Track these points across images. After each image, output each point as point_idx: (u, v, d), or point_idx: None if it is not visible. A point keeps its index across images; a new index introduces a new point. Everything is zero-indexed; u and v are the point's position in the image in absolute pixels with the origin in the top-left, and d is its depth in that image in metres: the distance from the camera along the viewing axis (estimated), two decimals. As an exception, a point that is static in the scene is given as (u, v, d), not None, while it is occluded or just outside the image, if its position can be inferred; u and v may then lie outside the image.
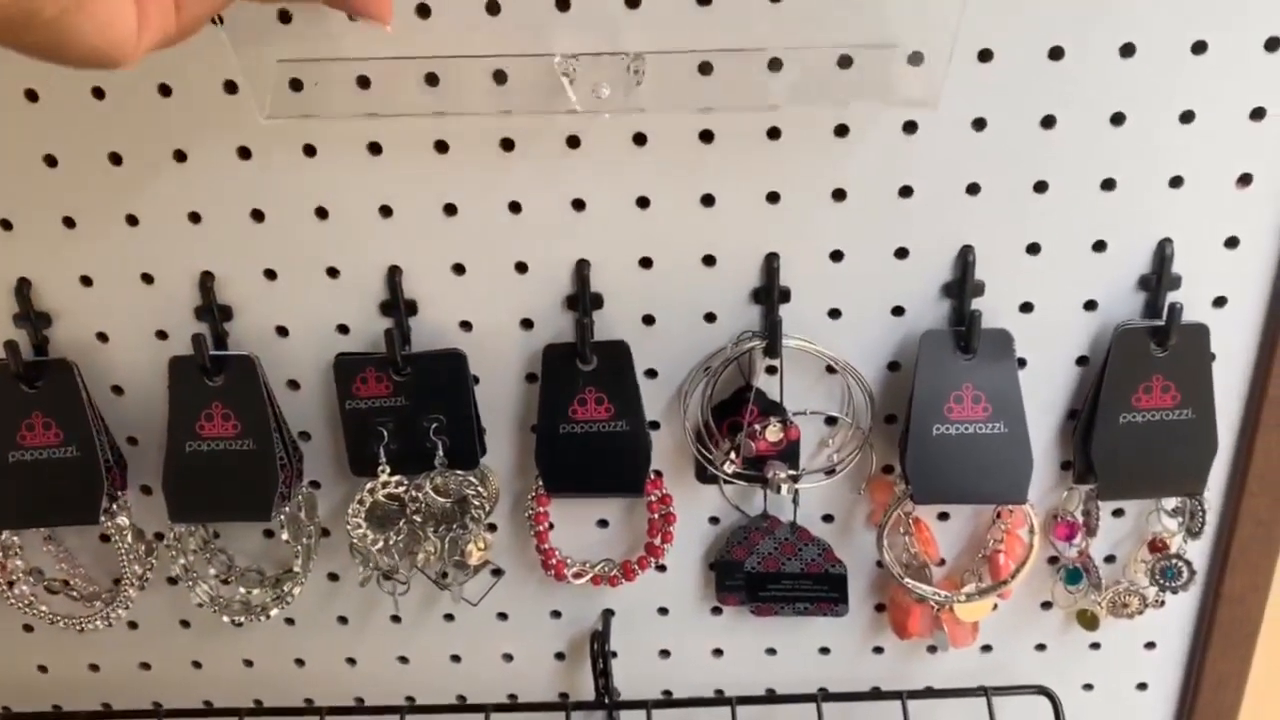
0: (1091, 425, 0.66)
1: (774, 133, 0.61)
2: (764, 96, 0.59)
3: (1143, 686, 0.79)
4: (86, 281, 0.67)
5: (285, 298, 0.67)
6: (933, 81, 0.57)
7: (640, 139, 0.61)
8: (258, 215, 0.64)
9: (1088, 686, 0.79)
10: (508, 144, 0.62)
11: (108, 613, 0.73)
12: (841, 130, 0.61)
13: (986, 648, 0.77)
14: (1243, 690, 0.77)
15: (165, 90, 0.61)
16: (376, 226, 0.64)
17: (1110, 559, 0.73)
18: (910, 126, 0.61)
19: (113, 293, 0.67)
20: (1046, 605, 0.75)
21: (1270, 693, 0.77)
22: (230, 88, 0.61)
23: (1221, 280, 0.65)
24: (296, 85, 0.59)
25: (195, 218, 0.65)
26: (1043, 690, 0.75)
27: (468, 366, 0.67)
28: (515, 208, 0.63)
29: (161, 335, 0.68)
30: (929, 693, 0.77)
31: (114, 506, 0.70)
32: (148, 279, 0.67)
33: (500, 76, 0.58)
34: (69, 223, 0.65)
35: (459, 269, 0.65)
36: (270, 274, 0.66)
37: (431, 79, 0.59)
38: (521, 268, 0.65)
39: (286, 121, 0.61)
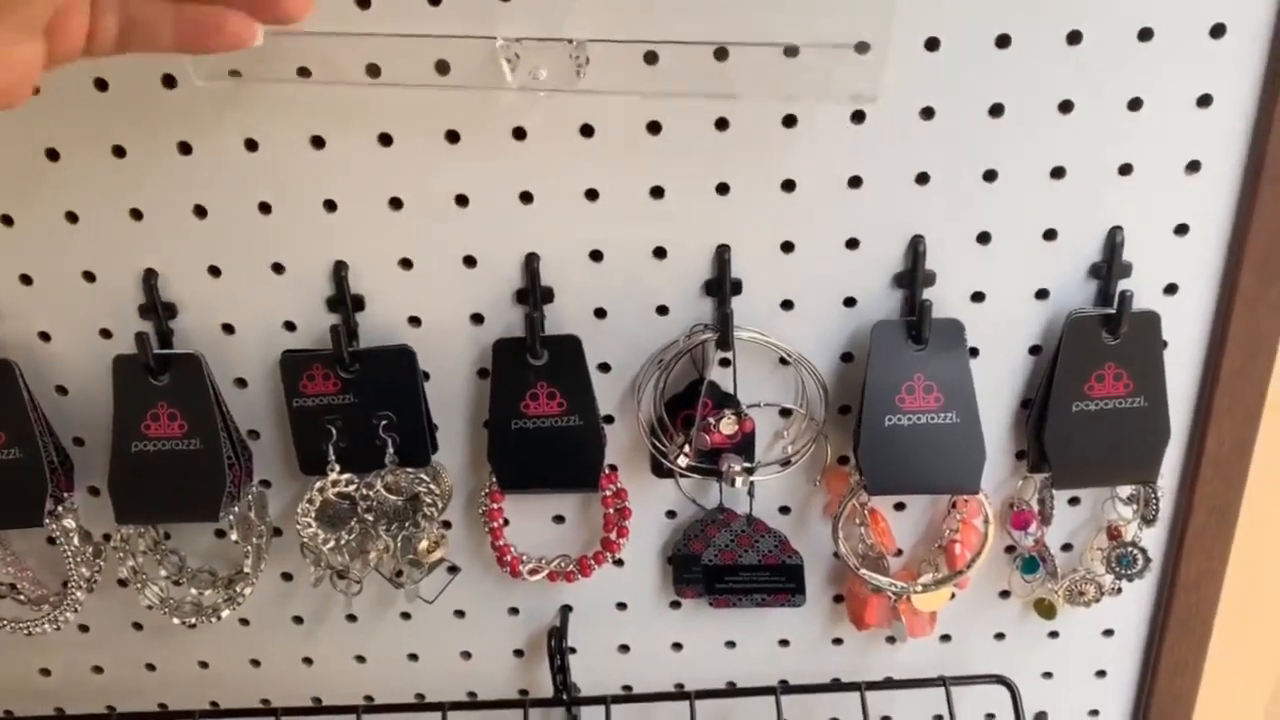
0: (1044, 414, 0.66)
1: (722, 124, 0.60)
2: (711, 86, 0.58)
3: (1101, 674, 0.79)
4: (26, 280, 0.66)
5: (230, 294, 0.66)
6: (873, 75, 0.56)
7: (587, 130, 0.61)
8: (200, 211, 0.63)
9: (1046, 674, 0.79)
10: (453, 136, 0.61)
11: (56, 616, 0.72)
12: (790, 121, 0.60)
13: (945, 638, 0.77)
14: (1200, 675, 0.77)
15: (102, 85, 0.60)
16: (321, 221, 0.63)
17: (1067, 547, 0.73)
18: (858, 116, 0.60)
19: (54, 291, 0.66)
20: (1004, 594, 0.75)
21: (1228, 678, 0.78)
22: (169, 81, 0.60)
23: (1172, 267, 0.65)
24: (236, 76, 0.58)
25: (136, 214, 0.64)
26: (1001, 680, 0.75)
27: (417, 362, 0.66)
28: (462, 201, 0.63)
29: (105, 334, 0.67)
30: (888, 683, 0.77)
31: (59, 509, 0.69)
32: (89, 277, 0.66)
33: (443, 67, 0.57)
34: (7, 220, 0.64)
35: (406, 263, 0.64)
36: (214, 270, 0.65)
37: (373, 70, 0.58)
38: (470, 262, 0.64)
39: (228, 115, 0.60)
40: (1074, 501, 0.72)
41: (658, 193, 0.62)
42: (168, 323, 0.66)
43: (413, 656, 0.79)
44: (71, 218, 0.64)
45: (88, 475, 0.71)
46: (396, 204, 0.63)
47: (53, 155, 0.62)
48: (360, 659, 0.79)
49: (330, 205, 0.63)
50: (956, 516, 0.71)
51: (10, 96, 0.40)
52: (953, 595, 0.74)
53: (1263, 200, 0.62)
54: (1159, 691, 0.78)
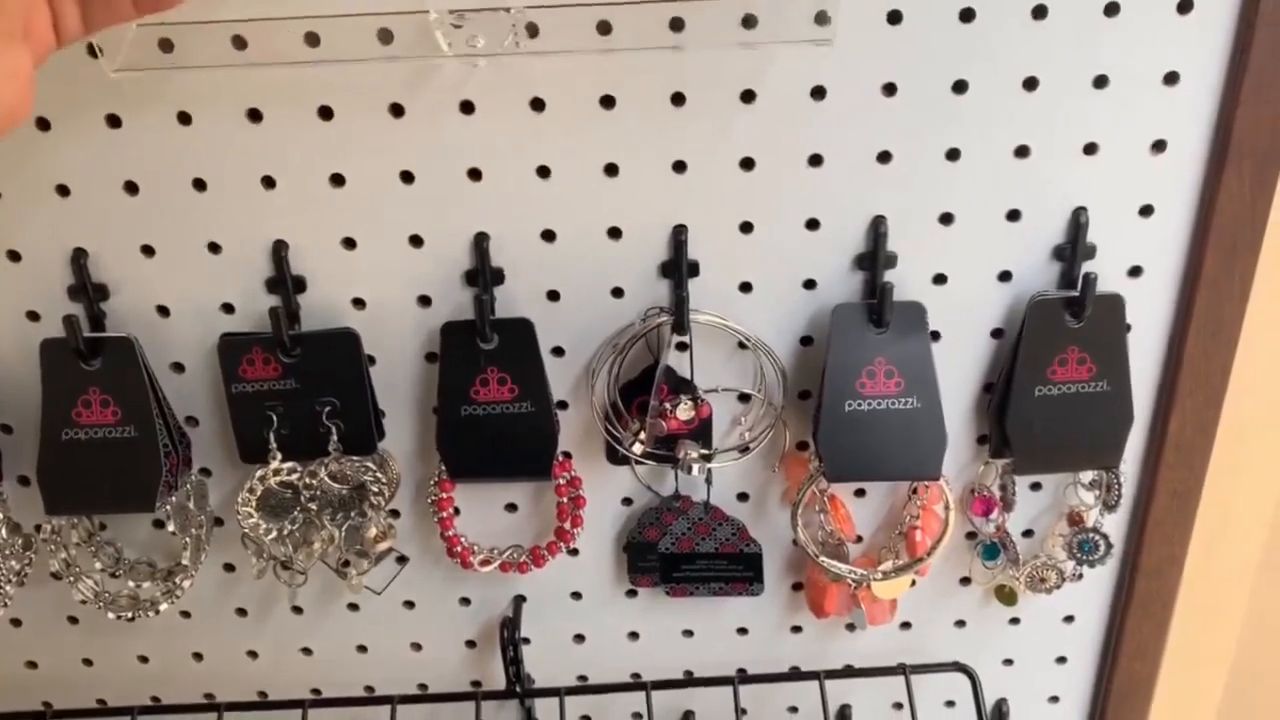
0: (1007, 398, 0.65)
1: (678, 99, 0.58)
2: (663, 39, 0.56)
3: (1061, 660, 0.78)
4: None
5: (165, 275, 0.63)
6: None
7: (538, 104, 0.58)
8: (131, 187, 0.60)
9: (1007, 661, 0.78)
10: (397, 109, 0.58)
11: (-15, 611, 0.69)
12: (748, 96, 0.58)
13: (905, 625, 0.76)
14: (1159, 660, 0.77)
15: (23, 52, 0.57)
16: (259, 198, 0.60)
17: (1028, 533, 0.73)
18: (819, 92, 0.58)
19: (-23, 271, 0.63)
20: (965, 581, 0.74)
21: (1187, 662, 0.77)
22: (95, 51, 0.57)
23: (1136, 249, 0.64)
24: (167, 46, 0.55)
25: (63, 190, 0.61)
26: (961, 667, 0.74)
27: (361, 346, 0.63)
28: (407, 178, 0.60)
29: (33, 316, 0.64)
30: (848, 671, 0.76)
31: (-14, 499, 0.66)
32: (14, 256, 0.62)
33: (385, 36, 0.55)
34: None
35: (349, 243, 0.62)
36: (148, 250, 0.62)
37: (312, 38, 0.55)
38: (416, 241, 0.62)
39: (159, 86, 0.58)
40: (1035, 487, 0.71)
41: (612, 170, 0.60)
42: (99, 305, 0.63)
43: (361, 648, 0.77)
44: None
45: (16, 464, 0.68)
46: (338, 180, 0.60)
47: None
48: (307, 651, 0.77)
49: (269, 182, 0.60)
50: (917, 503, 0.69)
51: (23, 109, 0.41)
52: (913, 582, 0.73)
53: (1228, 181, 0.61)
54: (1119, 676, 0.78)
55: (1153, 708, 0.79)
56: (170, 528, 0.66)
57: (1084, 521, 0.70)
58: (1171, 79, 0.59)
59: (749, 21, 0.55)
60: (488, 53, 0.54)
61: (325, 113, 0.58)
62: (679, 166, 0.60)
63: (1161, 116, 0.60)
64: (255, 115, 0.58)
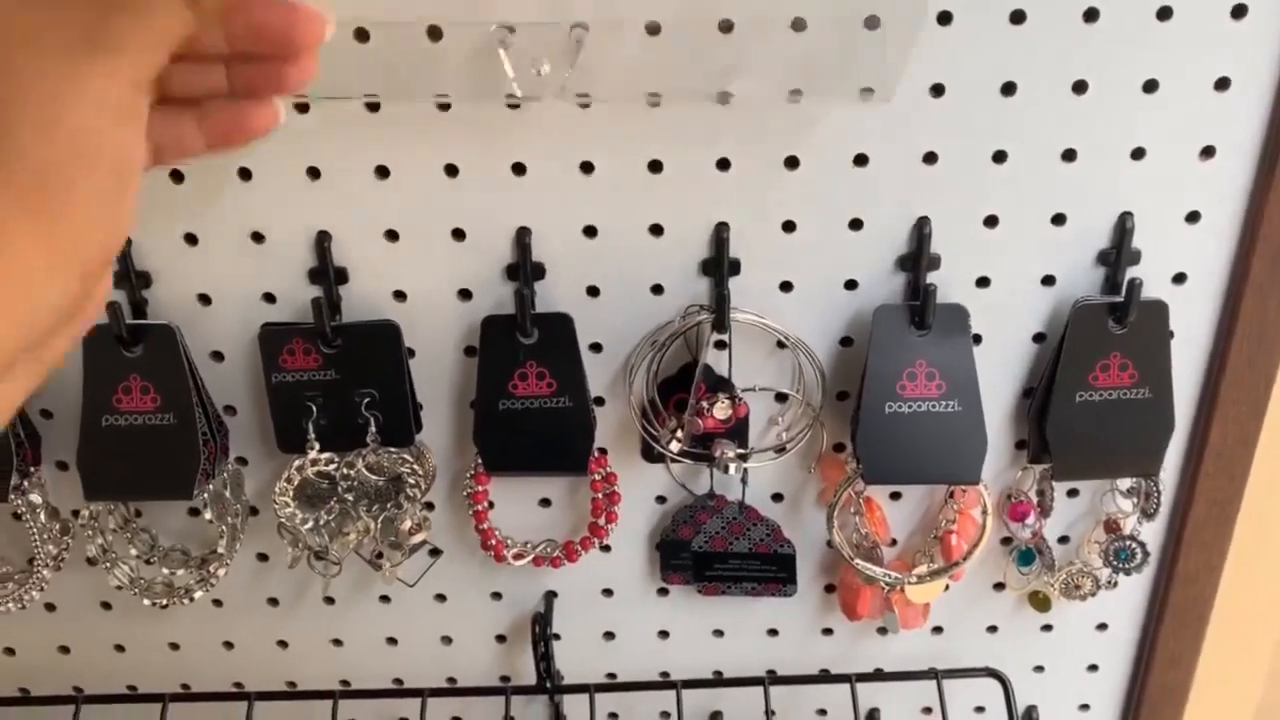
0: (1047, 404, 0.64)
1: (725, 96, 0.58)
2: (715, 81, 0.56)
3: (1093, 668, 0.78)
4: None
5: (208, 264, 0.63)
6: (890, 70, 0.54)
7: (585, 100, 0.58)
8: (177, 176, 0.61)
9: (1038, 668, 0.78)
10: (444, 104, 0.58)
11: (21, 594, 0.69)
12: (796, 94, 0.58)
13: (937, 629, 0.76)
14: (1193, 670, 0.76)
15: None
16: (304, 189, 0.60)
17: (1064, 540, 0.72)
18: (866, 92, 0.58)
19: (21, 257, 0.63)
20: (998, 587, 0.74)
21: (1221, 672, 0.77)
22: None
23: (1181, 256, 0.63)
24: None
25: (109, 178, 0.61)
26: (993, 673, 0.73)
27: (402, 338, 0.63)
28: (452, 171, 0.60)
29: (75, 303, 0.64)
30: (879, 675, 0.75)
31: (25, 483, 0.66)
32: (59, 243, 0.63)
33: (435, 32, 0.55)
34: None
35: (392, 235, 0.62)
36: (191, 239, 0.62)
37: (361, 34, 0.55)
38: (459, 235, 0.62)
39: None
40: (1072, 493, 0.71)
41: (656, 167, 0.60)
42: (141, 292, 0.63)
43: (391, 640, 0.77)
44: (41, 180, 0.61)
45: (56, 449, 0.69)
46: (383, 173, 0.60)
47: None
48: (337, 642, 0.77)
49: (314, 172, 0.60)
50: (954, 507, 0.69)
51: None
52: (946, 587, 0.72)
53: (1277, 187, 0.60)
54: (1151, 685, 0.77)
55: (1185, 717, 0.78)
56: (207, 516, 0.67)
57: (1121, 529, 0.70)
58: (1222, 84, 0.58)
59: (798, 24, 0.55)
60: (554, 82, 0.54)
61: (372, 106, 0.58)
62: (723, 164, 0.60)
63: (1211, 122, 0.59)
64: (302, 107, 0.58)
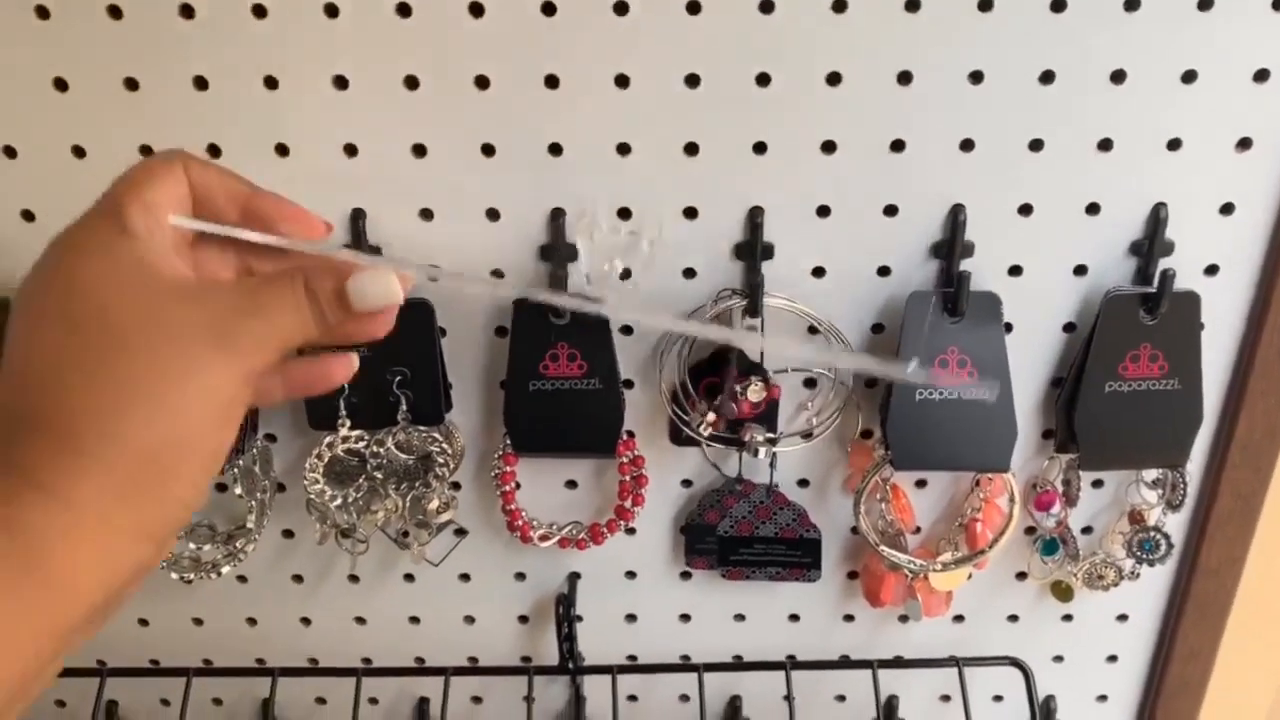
0: (1076, 393, 0.64)
1: (763, 79, 0.58)
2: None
3: (1113, 659, 0.78)
4: (28, 216, 0.63)
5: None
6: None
7: (622, 81, 0.58)
8: (214, 150, 0.61)
9: (1057, 658, 0.78)
10: (482, 82, 0.58)
11: (49, 567, 0.69)
12: (834, 79, 0.58)
13: (958, 618, 0.76)
14: (1212, 663, 0.76)
15: (115, 12, 0.57)
16: (340, 166, 0.61)
17: (1087, 530, 0.72)
18: (905, 77, 0.58)
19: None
20: (1021, 576, 0.74)
21: (1240, 665, 0.77)
22: (187, 11, 0.57)
23: (1215, 247, 0.63)
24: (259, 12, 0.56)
25: (146, 150, 0.61)
26: (1014, 662, 0.73)
27: (435, 317, 0.64)
28: (488, 150, 0.60)
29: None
30: (899, 662, 0.76)
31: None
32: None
33: (476, 10, 0.55)
34: (9, 151, 0.61)
35: (427, 214, 0.62)
36: (226, 214, 0.62)
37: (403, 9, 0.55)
38: (493, 215, 0.62)
39: (245, 51, 0.58)
40: (1097, 484, 0.71)
41: (692, 149, 0.60)
42: (175, 267, 0.63)
43: (414, 619, 0.77)
44: (79, 152, 0.61)
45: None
46: (420, 151, 0.60)
47: (61, 85, 0.59)
48: (360, 620, 0.77)
49: (350, 150, 0.60)
50: (979, 495, 0.69)
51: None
52: (969, 575, 0.73)
53: (1313, 181, 0.60)
54: (1170, 678, 0.77)
55: (1203, 710, 0.78)
56: (237, 491, 0.67)
57: (1145, 520, 0.70)
58: (1261, 76, 0.58)
59: (839, 6, 0.55)
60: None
61: (411, 82, 0.58)
62: (759, 148, 0.60)
63: (1249, 113, 0.59)
64: (341, 82, 0.59)
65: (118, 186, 0.39)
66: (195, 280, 0.39)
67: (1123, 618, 0.76)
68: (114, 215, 0.38)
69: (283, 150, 0.60)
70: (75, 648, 0.37)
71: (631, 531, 0.73)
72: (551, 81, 0.58)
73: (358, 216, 0.62)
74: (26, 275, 0.39)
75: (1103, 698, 0.80)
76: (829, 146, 0.60)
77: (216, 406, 0.37)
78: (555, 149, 0.60)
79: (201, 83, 0.59)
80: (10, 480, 0.35)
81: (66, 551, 0.35)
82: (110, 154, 0.61)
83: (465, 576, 0.75)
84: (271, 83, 0.59)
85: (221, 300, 0.38)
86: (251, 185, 0.42)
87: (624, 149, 0.60)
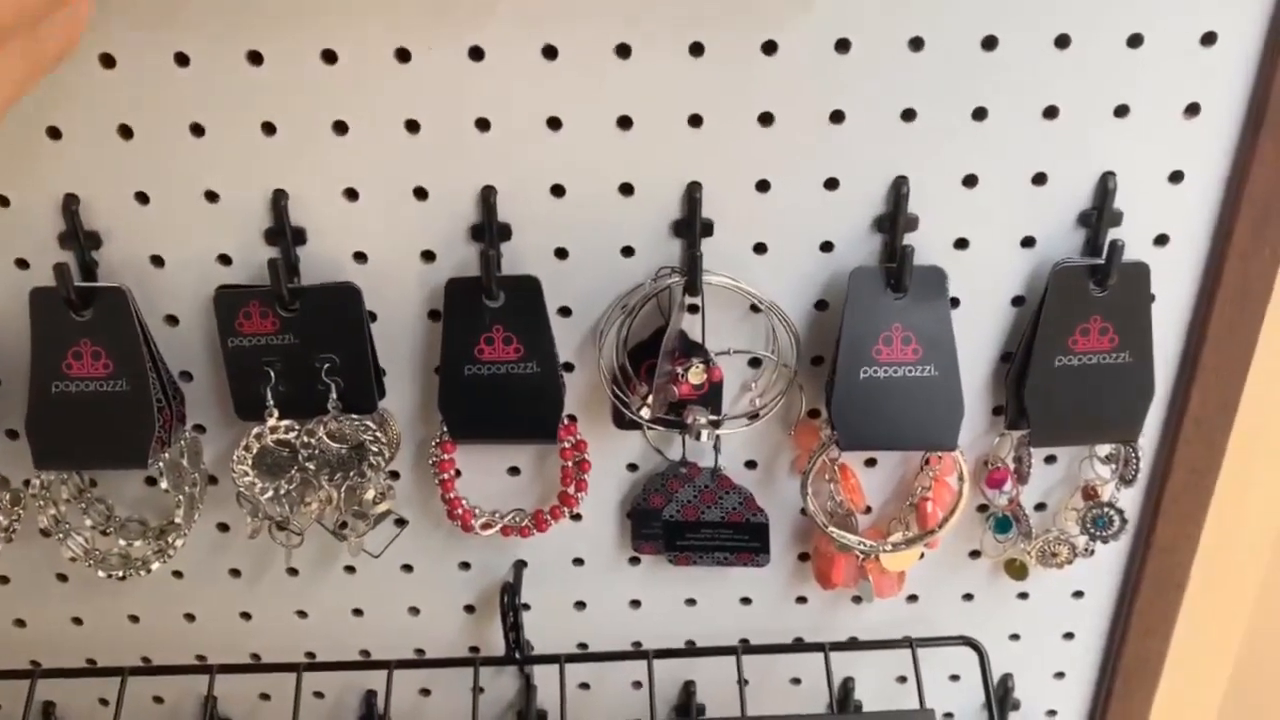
0: (1026, 368, 0.63)
1: (697, 49, 0.56)
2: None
3: (1069, 636, 0.77)
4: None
5: (160, 224, 0.61)
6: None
7: (550, 52, 0.56)
8: (125, 131, 0.58)
9: (1014, 636, 0.77)
10: (403, 54, 0.56)
11: (-29, 567, 0.67)
12: (770, 47, 0.56)
13: (912, 598, 0.75)
14: (1169, 638, 0.76)
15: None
16: (258, 145, 0.58)
17: (1040, 507, 0.71)
18: (843, 45, 0.56)
19: (-36, 216, 0.60)
20: (974, 554, 0.73)
21: (1196, 641, 0.76)
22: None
23: (1164, 217, 0.62)
24: (162, -17, 0.53)
25: (55, 133, 0.58)
26: (968, 641, 0.72)
27: (363, 301, 0.61)
28: (413, 126, 0.58)
29: (22, 264, 0.62)
30: (853, 644, 0.74)
31: (-27, 452, 0.64)
32: (3, 202, 0.60)
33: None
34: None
35: (351, 194, 0.60)
36: (142, 197, 0.60)
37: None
38: (421, 194, 0.60)
39: (156, 25, 0.55)
40: (1050, 460, 0.70)
41: (625, 123, 0.58)
42: (90, 253, 0.61)
43: (357, 612, 0.75)
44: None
45: (4, 417, 0.67)
46: (341, 128, 0.58)
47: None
48: (302, 614, 0.75)
49: (269, 128, 0.58)
50: (929, 474, 0.68)
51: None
52: (921, 555, 0.71)
53: (1263, 148, 0.59)
54: (1127, 654, 0.77)
55: (1160, 686, 0.78)
56: (163, 485, 0.65)
57: (1099, 496, 0.69)
58: (1209, 39, 0.56)
59: (773, -31, 0.53)
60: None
61: (329, 56, 0.56)
62: (695, 120, 0.58)
63: (1196, 79, 0.58)
64: (255, 57, 0.56)
65: None
66: None
67: (1078, 594, 0.75)
68: None
69: (198, 130, 0.58)
70: None
71: (577, 518, 0.71)
72: (476, 54, 0.56)
73: (279, 197, 0.59)
74: None
75: (1060, 675, 0.79)
76: (766, 119, 0.58)
77: None
78: (483, 124, 0.58)
79: (109, 60, 0.56)
80: None
81: None
82: (14, 138, 0.58)
83: (408, 567, 0.73)
84: (182, 59, 0.56)
85: None
86: None
87: (554, 123, 0.58)
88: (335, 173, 0.59)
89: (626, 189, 0.60)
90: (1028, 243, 0.62)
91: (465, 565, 0.73)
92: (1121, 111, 0.58)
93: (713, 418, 0.64)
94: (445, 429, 0.64)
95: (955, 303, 0.63)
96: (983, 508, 0.71)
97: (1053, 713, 0.80)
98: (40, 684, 0.71)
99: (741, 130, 0.58)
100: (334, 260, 0.61)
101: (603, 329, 0.64)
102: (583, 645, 0.77)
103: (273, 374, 0.62)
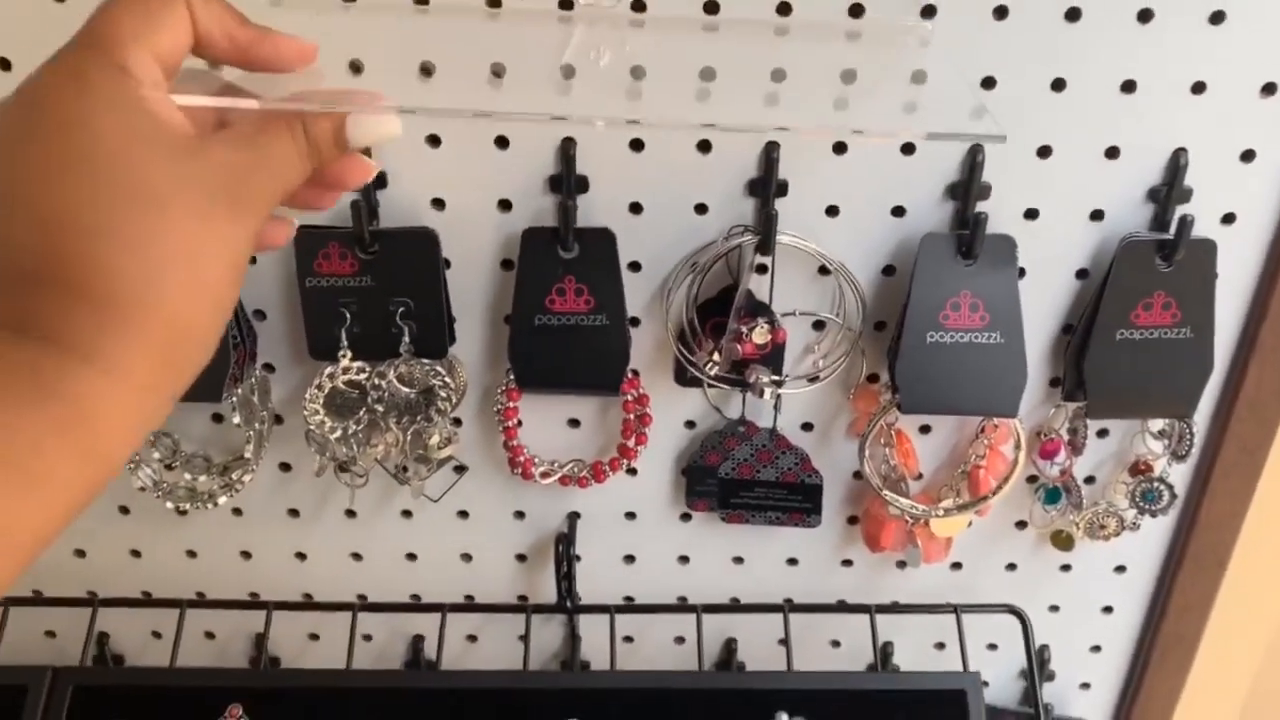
0: (1087, 341, 0.64)
1: (783, 8, 0.57)
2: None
3: (1108, 610, 0.78)
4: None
5: (243, 163, 0.61)
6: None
7: (639, 5, 0.57)
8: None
9: (1053, 608, 0.78)
10: (494, 5, 0.57)
11: (41, 494, 0.68)
12: (856, 10, 0.57)
13: (955, 565, 0.76)
14: (1207, 617, 0.76)
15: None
16: (347, 85, 0.59)
17: (1090, 480, 0.72)
18: (929, 11, 0.57)
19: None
20: (1021, 524, 0.74)
21: (1234, 620, 0.77)
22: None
23: (1233, 195, 0.62)
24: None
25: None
26: (1012, 610, 0.73)
27: (439, 247, 0.62)
28: (498, 73, 0.58)
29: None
30: (897, 608, 0.76)
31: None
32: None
33: None
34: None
35: (434, 140, 0.61)
36: (227, 136, 0.61)
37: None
38: (502, 143, 0.61)
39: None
40: (1102, 433, 0.70)
41: (708, 75, 0.58)
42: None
43: (411, 556, 0.76)
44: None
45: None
46: (427, 72, 0.59)
47: None
48: (357, 556, 0.76)
49: (355, 68, 0.58)
50: (984, 442, 0.69)
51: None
52: (970, 522, 0.72)
53: (1336, 129, 0.59)
54: (1164, 631, 0.78)
55: (1194, 664, 0.79)
56: (235, 420, 0.66)
57: (1150, 470, 0.70)
58: (1292, 19, 0.57)
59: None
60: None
61: (419, 0, 0.57)
62: (777, 75, 0.58)
63: (1275, 59, 0.58)
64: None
65: (112, 24, 0.35)
66: (195, 133, 0.36)
67: (1120, 569, 0.76)
68: (107, 53, 0.35)
69: (287, 70, 0.59)
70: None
71: (633, 472, 0.72)
72: (566, 4, 0.57)
73: (363, 141, 0.60)
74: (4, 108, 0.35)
75: (1096, 648, 0.80)
76: (848, 78, 0.58)
77: (235, 267, 0.36)
78: (568, 71, 0.58)
79: None
80: (48, 349, 0.33)
81: (113, 421, 0.34)
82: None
83: (464, 514, 0.74)
84: None
85: (227, 155, 0.36)
86: (243, 19, 0.40)
87: (637, 72, 0.58)
88: (419, 118, 0.60)
89: (704, 146, 0.61)
90: (1096, 215, 0.63)
91: (520, 515, 0.74)
92: (1199, 88, 0.59)
93: (775, 378, 0.65)
94: (512, 377, 0.66)
95: (1021, 273, 0.64)
96: (1031, 479, 0.72)
97: (1087, 685, 0.82)
98: (99, 613, 0.73)
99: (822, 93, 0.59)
100: (413, 205, 0.62)
101: (671, 285, 0.64)
102: (629, 598, 0.78)
103: (348, 315, 0.63)
